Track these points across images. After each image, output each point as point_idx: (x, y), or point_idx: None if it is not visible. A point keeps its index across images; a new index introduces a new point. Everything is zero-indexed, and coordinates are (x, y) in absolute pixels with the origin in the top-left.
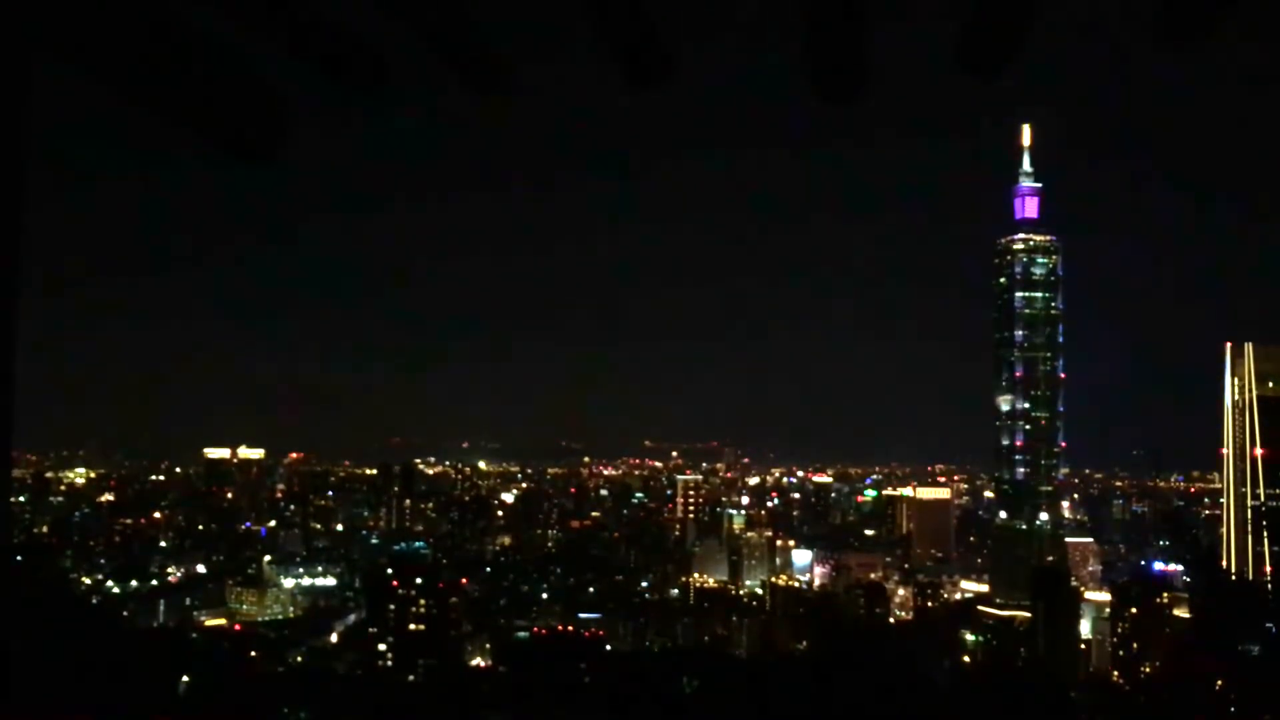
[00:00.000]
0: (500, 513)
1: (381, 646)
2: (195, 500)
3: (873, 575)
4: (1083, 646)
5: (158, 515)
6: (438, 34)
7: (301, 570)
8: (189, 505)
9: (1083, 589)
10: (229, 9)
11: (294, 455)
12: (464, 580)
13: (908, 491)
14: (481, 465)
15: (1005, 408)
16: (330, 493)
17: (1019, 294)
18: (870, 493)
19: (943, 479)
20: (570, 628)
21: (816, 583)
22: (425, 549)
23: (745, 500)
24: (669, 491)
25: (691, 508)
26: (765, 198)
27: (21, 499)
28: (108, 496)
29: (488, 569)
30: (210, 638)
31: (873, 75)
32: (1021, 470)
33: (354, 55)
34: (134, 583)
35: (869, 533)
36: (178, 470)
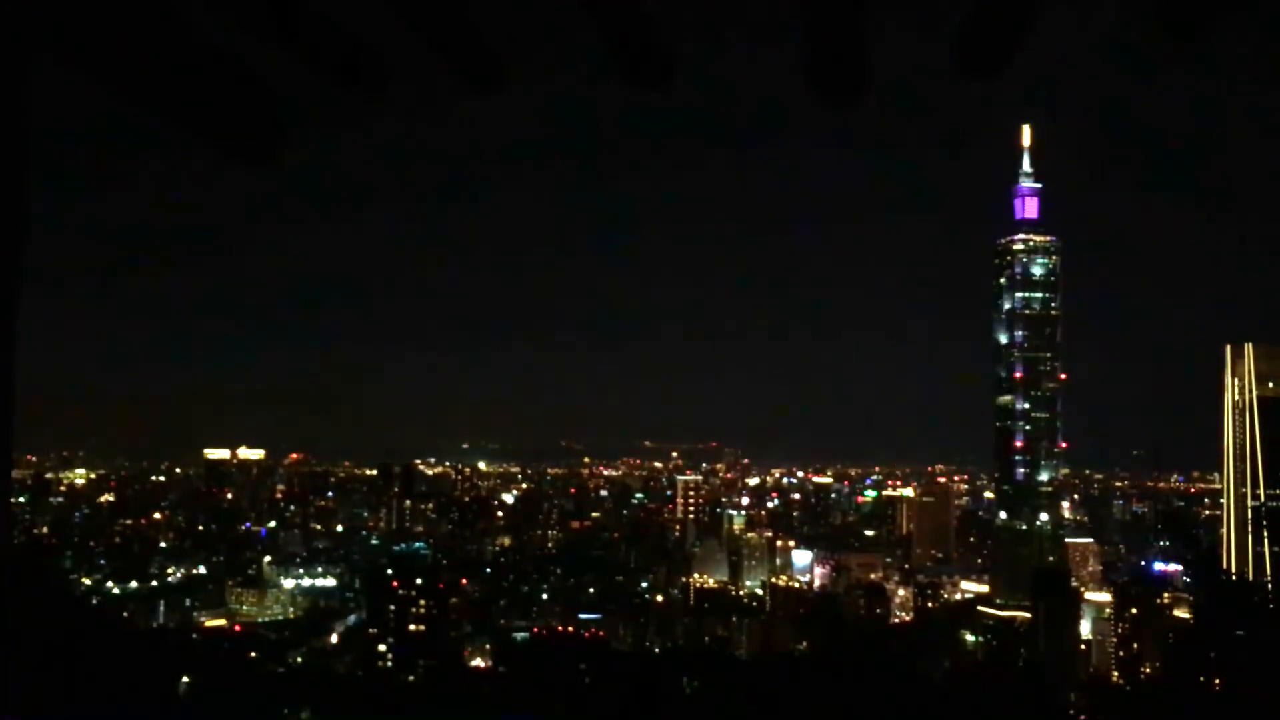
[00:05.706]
0: (500, 513)
1: (381, 646)
2: (195, 501)
3: (873, 576)
4: (1083, 646)
5: (158, 516)
6: (436, 32)
7: (301, 571)
8: (189, 506)
9: (1083, 589)
10: (228, 9)
11: (294, 455)
12: (464, 580)
13: (908, 492)
14: (481, 465)
15: (1005, 408)
16: (330, 493)
17: (1019, 294)
18: (870, 493)
19: (943, 479)
20: (570, 628)
21: (816, 583)
22: (425, 549)
23: (745, 500)
24: (669, 492)
25: (691, 508)
26: (766, 198)
27: (21, 499)
28: (108, 497)
29: (488, 569)
30: (210, 638)
31: (873, 76)
32: (1021, 470)
33: (354, 56)
34: (134, 583)
35: (869, 533)
36: (178, 471)
